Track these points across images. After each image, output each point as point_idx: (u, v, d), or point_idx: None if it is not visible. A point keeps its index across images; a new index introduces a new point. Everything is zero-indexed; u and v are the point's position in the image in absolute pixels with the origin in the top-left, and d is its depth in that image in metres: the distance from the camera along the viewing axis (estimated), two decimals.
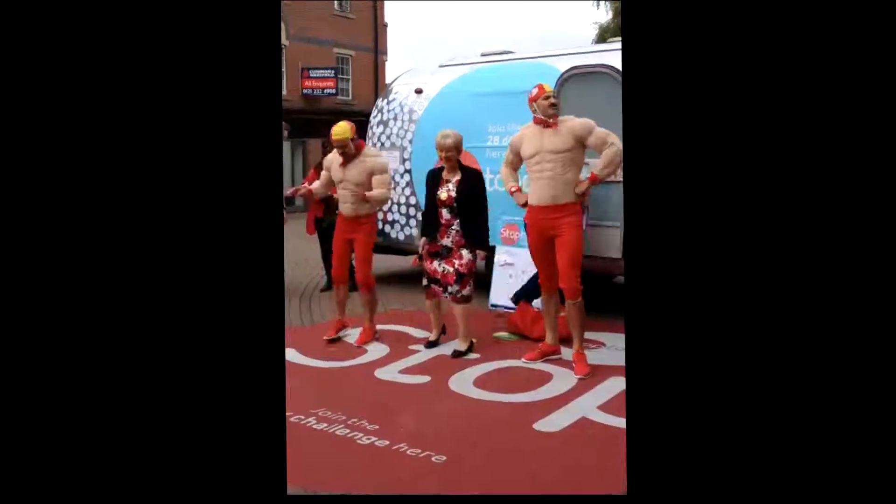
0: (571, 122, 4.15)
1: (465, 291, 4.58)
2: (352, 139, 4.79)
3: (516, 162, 4.40)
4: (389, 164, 5.23)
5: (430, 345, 4.75)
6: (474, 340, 4.70)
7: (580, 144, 4.12)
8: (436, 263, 4.61)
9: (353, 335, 5.05)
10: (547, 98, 4.14)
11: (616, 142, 4.06)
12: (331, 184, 5.05)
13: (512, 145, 4.39)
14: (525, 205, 4.30)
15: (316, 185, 5.27)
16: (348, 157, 4.80)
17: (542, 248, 4.26)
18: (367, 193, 4.72)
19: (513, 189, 4.40)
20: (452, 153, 4.48)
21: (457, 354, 4.56)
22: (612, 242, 5.32)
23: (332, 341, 4.96)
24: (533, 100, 4.21)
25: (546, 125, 4.15)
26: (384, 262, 7.57)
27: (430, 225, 4.62)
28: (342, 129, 4.78)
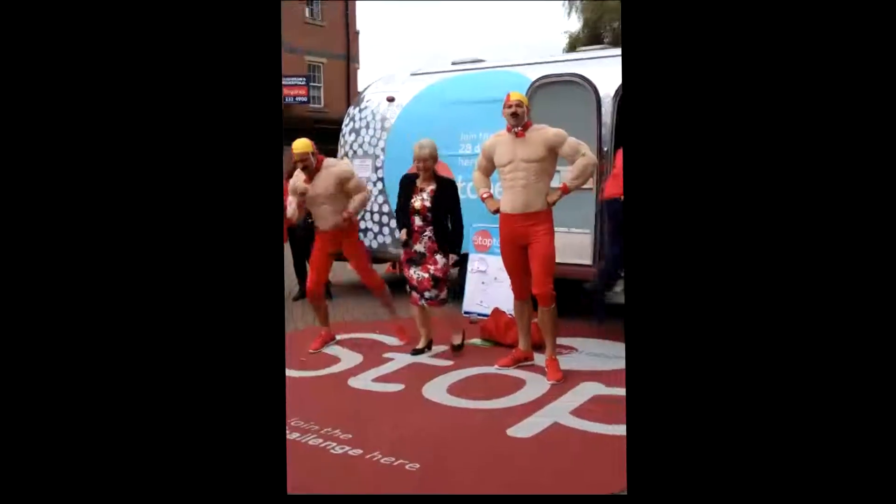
0: (544, 132, 4.18)
1: (444, 295, 4.69)
2: (312, 153, 4.71)
3: (489, 168, 4.42)
4: (353, 167, 5.27)
5: (416, 352, 4.76)
6: (464, 331, 4.88)
7: (553, 154, 4.15)
8: (412, 270, 4.65)
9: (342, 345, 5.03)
10: (509, 107, 4.17)
11: (588, 152, 4.11)
12: (301, 205, 4.87)
13: (484, 151, 4.41)
14: (496, 212, 4.33)
15: (289, 212, 4.92)
16: (311, 173, 4.71)
17: (515, 256, 4.29)
18: (348, 211, 4.68)
19: (485, 195, 4.42)
20: (429, 163, 4.56)
21: (456, 348, 4.73)
22: (583, 249, 5.38)
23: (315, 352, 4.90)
24: (504, 107, 4.25)
25: (517, 134, 4.19)
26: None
27: (405, 227, 4.67)
28: (303, 143, 4.70)
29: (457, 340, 4.79)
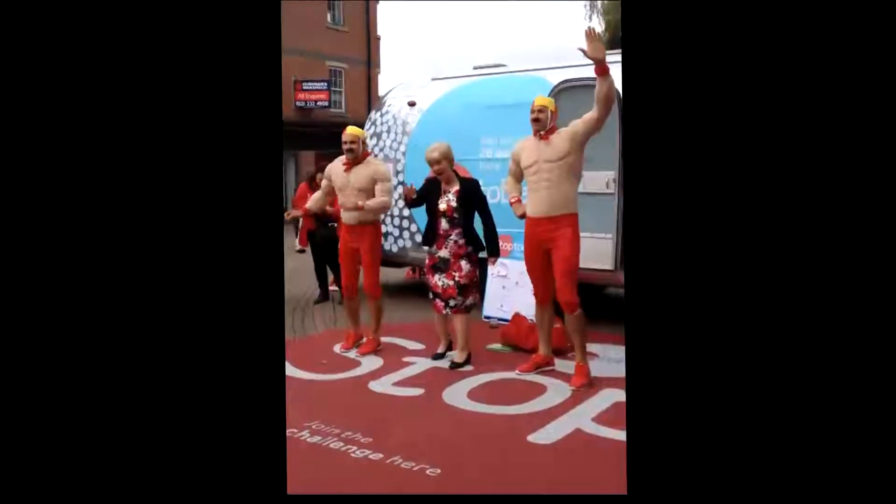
0: (562, 131, 4.19)
1: (469, 301, 4.59)
2: (362, 140, 4.89)
3: (518, 172, 4.41)
4: (391, 173, 5.32)
5: (437, 357, 4.74)
6: (470, 354, 4.69)
7: (577, 146, 4.10)
8: (436, 277, 4.61)
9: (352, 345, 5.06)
10: (531, 113, 4.18)
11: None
12: (330, 193, 5.05)
13: (513, 155, 4.42)
14: (524, 216, 4.31)
15: (317, 194, 5.28)
16: (354, 161, 4.81)
17: (538, 260, 4.26)
18: (365, 203, 4.70)
19: (513, 200, 4.42)
20: (443, 164, 4.51)
21: (454, 366, 4.56)
22: (605, 253, 5.34)
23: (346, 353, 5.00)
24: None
25: (541, 137, 4.18)
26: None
27: (429, 235, 4.63)
28: (355, 129, 4.91)
29: (459, 359, 4.61)
